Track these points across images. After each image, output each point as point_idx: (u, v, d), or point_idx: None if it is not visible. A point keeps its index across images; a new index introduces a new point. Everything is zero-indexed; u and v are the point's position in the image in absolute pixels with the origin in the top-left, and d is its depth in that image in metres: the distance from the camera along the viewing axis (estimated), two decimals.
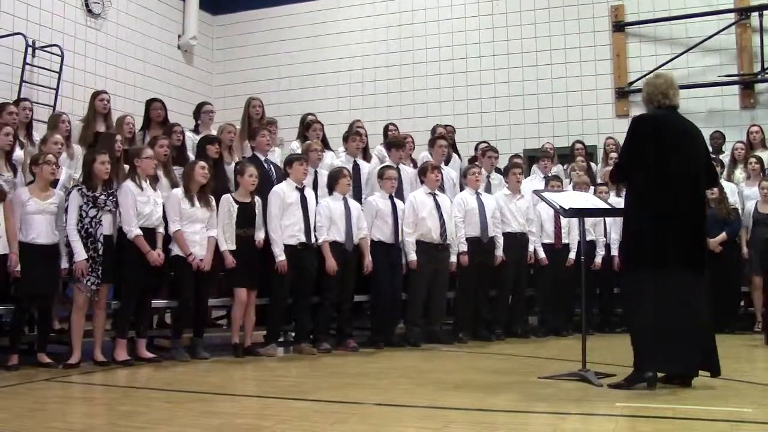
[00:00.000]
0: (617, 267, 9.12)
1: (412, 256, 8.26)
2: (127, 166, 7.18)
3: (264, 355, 7.40)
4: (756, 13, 11.69)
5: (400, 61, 13.69)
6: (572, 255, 9.13)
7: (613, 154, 10.07)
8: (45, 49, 10.83)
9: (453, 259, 8.49)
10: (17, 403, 5.01)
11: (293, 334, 8.06)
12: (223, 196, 7.52)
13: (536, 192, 7.52)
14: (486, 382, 5.69)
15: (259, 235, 7.58)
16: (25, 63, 10.49)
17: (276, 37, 14.47)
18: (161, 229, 7.11)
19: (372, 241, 8.14)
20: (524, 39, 13.00)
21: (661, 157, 5.23)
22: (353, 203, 8.13)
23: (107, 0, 12.17)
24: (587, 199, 6.34)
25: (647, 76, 6.09)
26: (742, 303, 9.48)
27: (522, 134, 12.72)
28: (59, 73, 10.80)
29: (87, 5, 11.88)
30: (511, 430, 4.11)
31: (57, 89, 10.70)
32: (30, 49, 10.61)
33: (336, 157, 9.03)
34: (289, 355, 7.67)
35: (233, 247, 7.39)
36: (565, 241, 9.19)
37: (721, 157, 10.41)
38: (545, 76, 12.82)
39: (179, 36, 13.88)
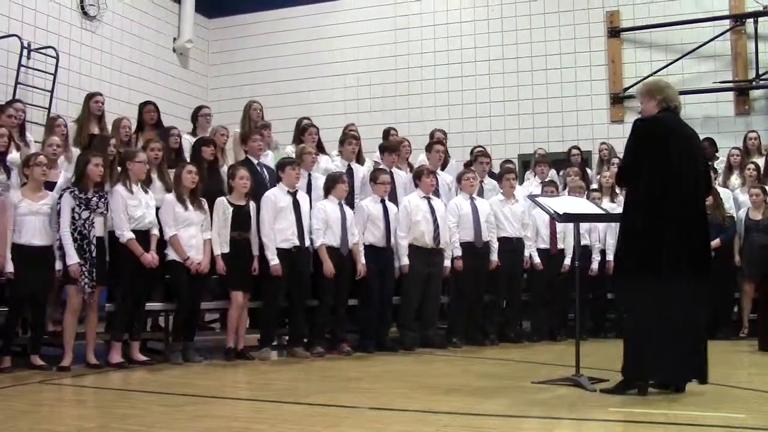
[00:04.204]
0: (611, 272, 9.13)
1: (405, 260, 8.26)
2: (119, 169, 7.18)
3: (258, 359, 7.39)
4: (751, 20, 11.72)
5: (395, 66, 13.70)
6: (567, 261, 9.14)
7: (615, 160, 10.07)
8: (40, 51, 10.82)
9: (447, 263, 8.49)
10: (10, 406, 5.00)
11: (287, 337, 8.05)
12: (218, 199, 7.51)
13: (531, 197, 7.53)
14: (480, 387, 5.69)
15: (254, 241, 7.57)
16: (20, 65, 10.48)
17: (272, 40, 14.47)
18: (155, 231, 7.10)
19: (363, 244, 8.14)
20: (520, 44, 13.03)
21: (670, 161, 5.18)
22: (347, 209, 8.11)
23: (103, 2, 12.16)
24: (582, 204, 6.34)
25: (651, 78, 5.98)
26: (735, 309, 9.48)
27: (517, 139, 12.73)
28: (54, 75, 10.79)
29: (82, 7, 11.87)
30: None
31: (52, 91, 10.69)
32: (25, 51, 10.59)
33: (331, 161, 9.03)
34: (282, 359, 7.66)
35: (227, 250, 7.38)
36: (560, 246, 9.20)
37: (715, 164, 10.43)
38: (540, 81, 12.84)
39: (175, 39, 13.87)
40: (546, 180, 9.82)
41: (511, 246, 8.89)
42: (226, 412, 4.91)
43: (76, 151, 7.90)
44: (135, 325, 7.09)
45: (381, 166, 8.85)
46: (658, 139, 5.25)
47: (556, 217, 6.13)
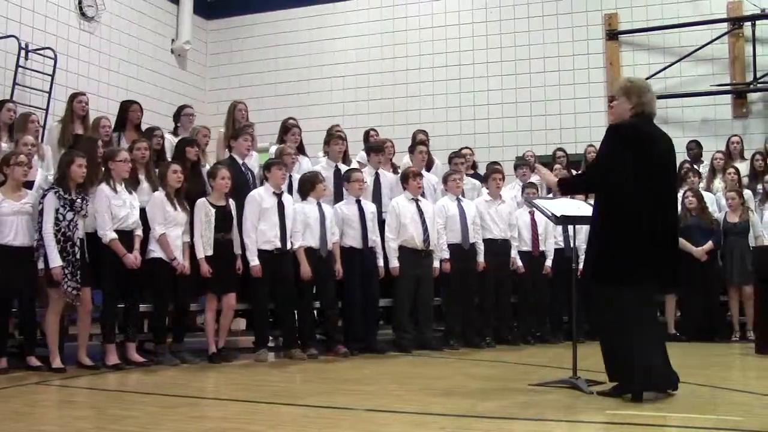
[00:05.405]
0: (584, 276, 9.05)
1: (395, 263, 8.26)
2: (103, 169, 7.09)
3: (255, 360, 7.37)
4: (749, 23, 11.73)
5: (393, 68, 13.68)
6: (548, 263, 9.16)
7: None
8: (38, 51, 10.79)
9: (436, 264, 8.48)
10: (6, 407, 4.99)
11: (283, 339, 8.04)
12: (198, 200, 7.44)
13: (527, 199, 7.50)
14: (476, 389, 5.69)
15: (236, 241, 7.55)
16: (17, 66, 10.45)
17: (270, 42, 14.45)
18: (139, 232, 7.04)
19: (343, 247, 8.11)
20: (518, 47, 13.01)
21: (650, 169, 5.10)
22: (327, 208, 8.07)
23: (101, 3, 12.14)
24: (578, 206, 6.33)
25: (633, 77, 5.83)
26: (729, 313, 9.48)
27: (515, 141, 12.71)
28: (52, 76, 10.75)
29: (80, 8, 11.85)
30: None
31: (50, 92, 10.65)
32: (23, 52, 10.56)
33: (316, 163, 8.98)
34: (279, 360, 7.64)
35: (210, 253, 7.33)
36: (542, 248, 9.19)
37: (700, 167, 10.43)
38: (538, 84, 12.82)
39: (173, 40, 13.84)
40: (527, 182, 9.77)
41: (497, 248, 8.86)
42: (222, 413, 4.91)
43: (47, 149, 7.84)
44: (130, 326, 7.06)
45: (355, 166, 8.82)
46: (636, 146, 5.12)
47: (553, 219, 6.11)
